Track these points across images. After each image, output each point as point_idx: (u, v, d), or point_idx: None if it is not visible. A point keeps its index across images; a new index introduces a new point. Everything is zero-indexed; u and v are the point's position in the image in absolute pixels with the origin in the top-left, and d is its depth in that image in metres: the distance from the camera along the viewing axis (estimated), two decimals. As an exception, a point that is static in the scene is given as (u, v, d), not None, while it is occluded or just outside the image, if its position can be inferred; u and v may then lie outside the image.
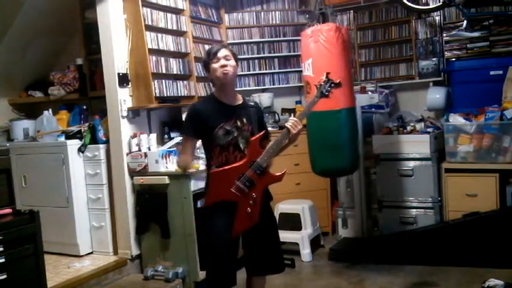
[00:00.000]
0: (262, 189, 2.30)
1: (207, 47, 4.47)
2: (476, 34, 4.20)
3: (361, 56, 4.82)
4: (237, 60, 2.40)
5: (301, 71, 4.85)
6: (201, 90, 4.24)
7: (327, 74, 2.42)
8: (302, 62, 3.63)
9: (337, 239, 4.35)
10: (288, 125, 2.28)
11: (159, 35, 3.81)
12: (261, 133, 2.34)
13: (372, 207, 4.27)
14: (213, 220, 2.33)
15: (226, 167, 2.27)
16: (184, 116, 3.34)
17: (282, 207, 4.24)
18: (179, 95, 3.93)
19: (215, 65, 2.32)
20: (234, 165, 2.27)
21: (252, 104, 2.52)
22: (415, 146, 3.95)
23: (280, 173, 2.34)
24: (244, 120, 2.37)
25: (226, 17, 4.82)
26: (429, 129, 4.08)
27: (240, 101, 2.45)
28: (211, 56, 2.34)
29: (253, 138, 2.31)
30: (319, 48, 3.39)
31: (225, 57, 2.33)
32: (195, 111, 2.38)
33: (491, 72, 4.03)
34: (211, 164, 2.36)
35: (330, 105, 3.33)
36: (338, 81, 2.40)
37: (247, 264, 2.46)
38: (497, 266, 3.37)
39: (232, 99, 2.42)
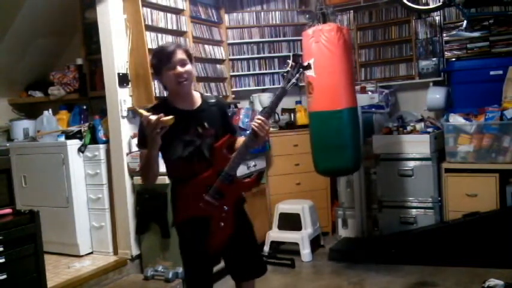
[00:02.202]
0: (234, 199, 2.09)
1: (207, 47, 4.49)
2: (476, 34, 4.20)
3: (361, 56, 4.82)
4: (192, 60, 2.11)
5: (301, 71, 4.86)
6: (200, 90, 4.24)
7: (294, 56, 2.11)
8: (303, 62, 3.62)
9: (337, 239, 4.35)
10: (254, 126, 2.00)
11: (159, 35, 3.81)
12: (225, 138, 2.08)
13: (372, 207, 4.27)
14: (185, 236, 2.16)
15: (191, 181, 2.04)
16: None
17: (282, 207, 4.24)
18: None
19: (169, 73, 2.03)
20: (199, 177, 2.04)
21: (213, 101, 2.20)
22: (415, 146, 3.95)
23: (249, 180, 2.17)
24: (206, 124, 2.09)
25: (226, 17, 4.82)
26: (429, 129, 4.08)
27: (199, 103, 2.15)
28: (163, 60, 2.03)
29: (217, 144, 2.06)
30: (321, 48, 3.40)
31: (181, 63, 2.03)
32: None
33: (491, 72, 4.02)
34: (174, 177, 2.15)
35: (332, 105, 3.35)
36: (306, 63, 2.12)
37: (230, 271, 2.31)
38: (497, 266, 3.37)
39: (190, 103, 2.13)
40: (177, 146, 2.05)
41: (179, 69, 2.03)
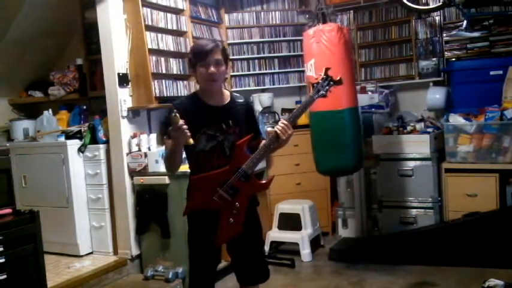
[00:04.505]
0: (247, 197, 2.13)
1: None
2: (476, 34, 4.20)
3: (361, 56, 4.82)
4: (227, 61, 2.18)
5: (301, 71, 4.88)
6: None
7: (326, 69, 2.17)
8: (305, 62, 3.65)
9: (337, 239, 4.35)
10: (277, 129, 2.08)
11: (159, 35, 3.81)
12: (247, 137, 2.14)
13: (372, 207, 4.27)
14: (192, 229, 2.23)
15: (207, 173, 2.10)
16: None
17: (282, 207, 4.24)
18: (179, 95, 3.93)
19: (202, 70, 2.09)
20: (216, 171, 2.09)
21: (241, 101, 2.26)
22: (415, 146, 3.95)
23: (266, 181, 2.21)
24: (231, 122, 2.15)
25: (226, 17, 4.82)
26: (429, 129, 4.08)
27: (227, 100, 2.22)
28: (199, 58, 2.09)
29: (238, 142, 2.11)
30: (322, 48, 3.41)
31: (216, 63, 2.08)
32: (177, 110, 2.11)
33: (491, 72, 4.03)
34: (193, 168, 2.21)
35: (333, 105, 3.35)
36: (338, 78, 2.15)
37: (235, 273, 2.35)
38: (497, 266, 3.37)
39: (218, 99, 2.20)
40: (201, 138, 2.12)
41: (212, 69, 2.09)
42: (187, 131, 1.97)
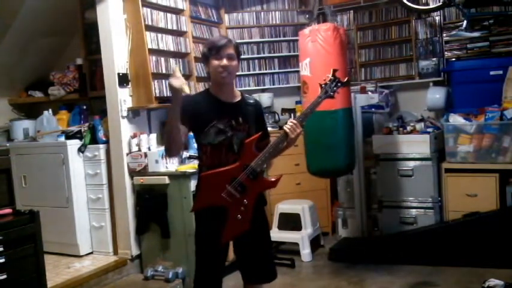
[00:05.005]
0: (255, 195, 2.15)
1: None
2: (476, 34, 4.20)
3: (361, 56, 4.82)
4: (239, 56, 2.23)
5: (301, 71, 4.88)
6: (201, 90, 4.23)
7: (334, 71, 2.22)
8: (299, 61, 3.63)
9: (337, 239, 4.35)
10: (286, 128, 2.13)
11: (159, 35, 3.81)
12: (256, 135, 2.17)
13: (372, 207, 4.27)
14: (200, 226, 2.25)
15: (216, 170, 2.12)
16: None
17: (282, 207, 4.24)
18: (179, 95, 3.92)
19: (215, 62, 2.14)
20: (225, 168, 2.12)
21: (252, 101, 2.32)
22: (415, 146, 3.96)
23: (274, 179, 2.20)
24: (240, 119, 2.20)
25: (226, 17, 4.82)
26: (429, 129, 4.09)
27: (238, 98, 2.27)
28: (213, 51, 2.15)
29: (247, 140, 2.15)
30: (317, 48, 3.40)
31: (228, 57, 2.14)
32: (188, 101, 2.15)
33: (491, 72, 4.03)
34: (202, 164, 2.24)
35: (326, 105, 3.32)
36: (346, 79, 2.23)
37: (241, 271, 2.35)
38: (497, 266, 3.37)
39: (230, 96, 2.24)
40: (210, 131, 2.15)
41: (225, 61, 2.14)
42: (182, 78, 2.01)
